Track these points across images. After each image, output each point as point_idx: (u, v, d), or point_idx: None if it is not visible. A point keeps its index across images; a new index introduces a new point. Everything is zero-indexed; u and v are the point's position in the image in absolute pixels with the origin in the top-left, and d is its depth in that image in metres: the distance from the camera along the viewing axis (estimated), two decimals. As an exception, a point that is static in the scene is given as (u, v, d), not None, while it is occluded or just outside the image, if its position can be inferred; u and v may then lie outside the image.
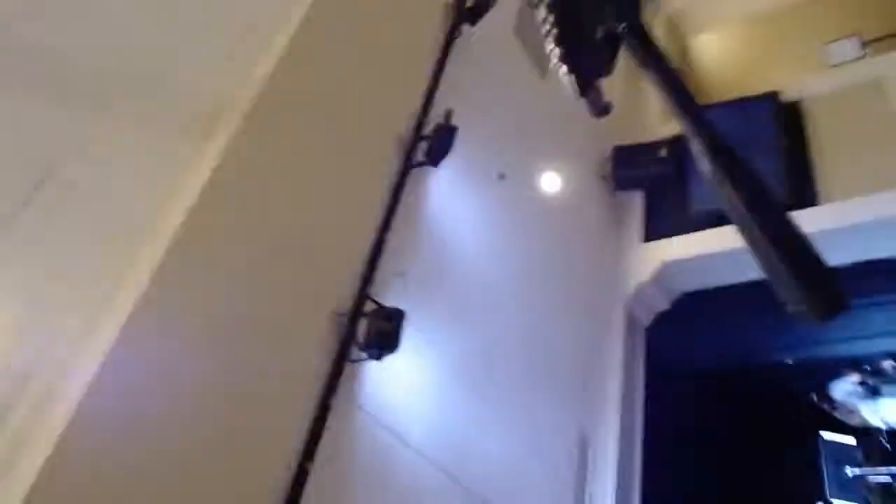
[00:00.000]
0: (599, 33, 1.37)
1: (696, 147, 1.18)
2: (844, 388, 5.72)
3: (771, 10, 6.84)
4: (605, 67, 1.43)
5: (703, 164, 1.16)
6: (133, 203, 2.33)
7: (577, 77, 1.42)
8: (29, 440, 1.83)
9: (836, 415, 5.78)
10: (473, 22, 4.05)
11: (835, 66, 5.41)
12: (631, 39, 1.32)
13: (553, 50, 1.41)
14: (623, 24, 1.33)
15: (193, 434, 2.17)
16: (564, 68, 1.41)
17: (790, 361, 5.09)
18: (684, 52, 7.22)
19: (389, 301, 2.90)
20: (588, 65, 1.42)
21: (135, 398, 2.03)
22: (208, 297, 2.35)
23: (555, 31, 1.40)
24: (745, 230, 1.11)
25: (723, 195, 1.13)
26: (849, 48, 5.39)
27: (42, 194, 1.96)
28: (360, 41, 3.33)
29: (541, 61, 4.77)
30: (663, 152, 5.44)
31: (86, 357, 1.96)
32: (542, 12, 1.40)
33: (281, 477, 2.33)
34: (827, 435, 5.60)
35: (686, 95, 1.25)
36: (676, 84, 1.26)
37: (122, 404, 2.00)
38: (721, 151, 1.16)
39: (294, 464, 2.39)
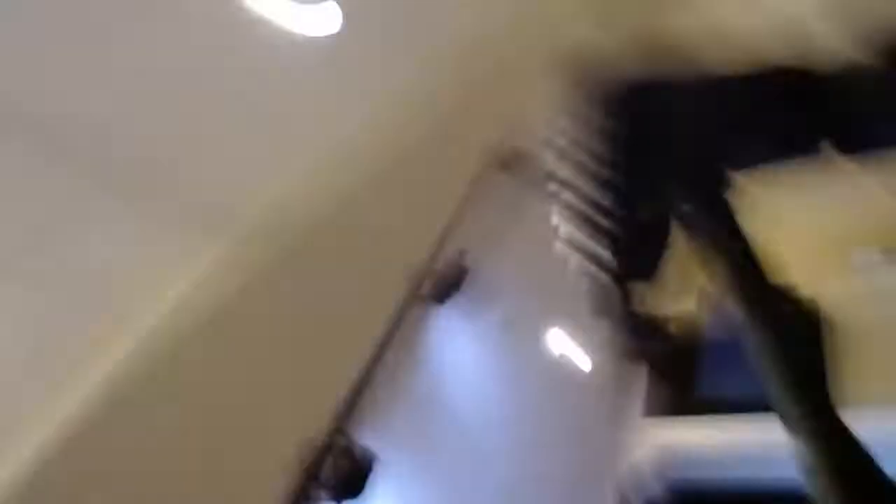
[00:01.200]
0: (644, 214, 0.87)
1: (761, 366, 0.83)
2: None
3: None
4: (651, 268, 0.89)
5: (773, 399, 0.83)
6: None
7: (617, 286, 0.93)
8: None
9: None
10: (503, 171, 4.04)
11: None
12: (699, 221, 0.86)
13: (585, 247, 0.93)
14: (690, 201, 0.85)
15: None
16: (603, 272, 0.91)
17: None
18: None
19: (367, 439, 2.69)
20: (630, 265, 0.89)
21: None
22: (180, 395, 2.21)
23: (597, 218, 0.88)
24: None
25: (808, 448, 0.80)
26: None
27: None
28: (395, 170, 3.33)
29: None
30: (670, 330, 5.30)
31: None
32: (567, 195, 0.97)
33: None
34: None
35: (765, 303, 0.87)
36: (755, 282, 0.86)
37: None
38: (808, 401, 0.80)
39: None
